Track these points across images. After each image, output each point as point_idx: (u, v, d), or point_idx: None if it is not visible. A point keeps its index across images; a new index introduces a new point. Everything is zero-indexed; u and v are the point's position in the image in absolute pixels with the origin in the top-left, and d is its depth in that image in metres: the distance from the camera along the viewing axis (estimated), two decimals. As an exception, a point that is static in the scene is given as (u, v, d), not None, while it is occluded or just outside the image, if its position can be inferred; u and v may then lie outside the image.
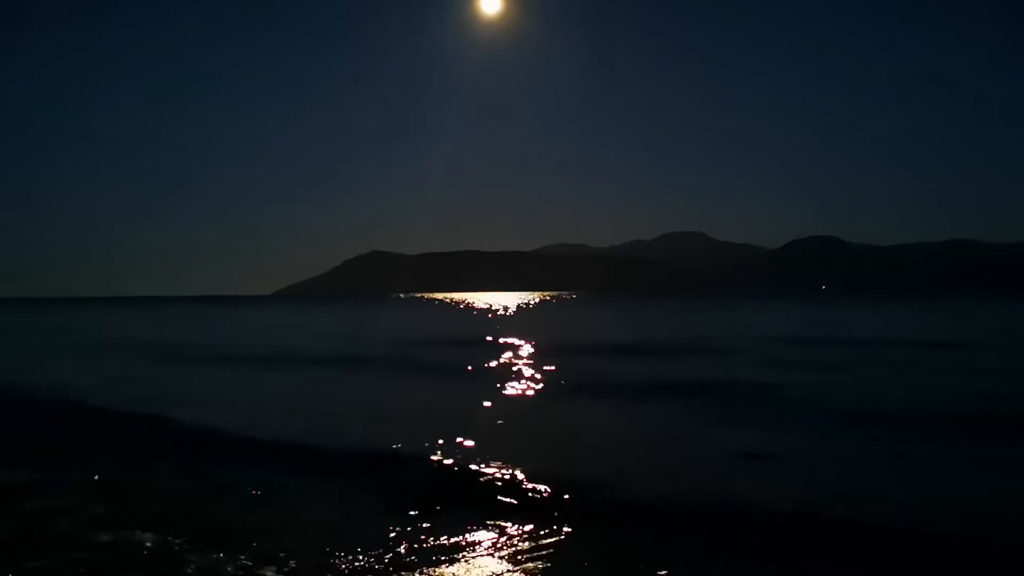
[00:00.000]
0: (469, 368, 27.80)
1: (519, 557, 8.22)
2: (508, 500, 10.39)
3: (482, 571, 7.82)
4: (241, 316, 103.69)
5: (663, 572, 7.70)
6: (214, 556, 8.30)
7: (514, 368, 27.19)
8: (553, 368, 26.95)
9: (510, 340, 40.94)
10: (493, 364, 28.84)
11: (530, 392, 21.51)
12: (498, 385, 22.47)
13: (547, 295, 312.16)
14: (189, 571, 7.87)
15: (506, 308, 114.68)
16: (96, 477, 11.98)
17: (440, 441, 14.08)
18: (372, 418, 17.81)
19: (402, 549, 8.46)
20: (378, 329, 63.35)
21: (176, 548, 8.54)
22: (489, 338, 43.59)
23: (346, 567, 8.01)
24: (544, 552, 8.39)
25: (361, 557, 8.21)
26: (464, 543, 8.67)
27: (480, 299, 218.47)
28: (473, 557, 8.25)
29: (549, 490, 10.63)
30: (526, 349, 35.38)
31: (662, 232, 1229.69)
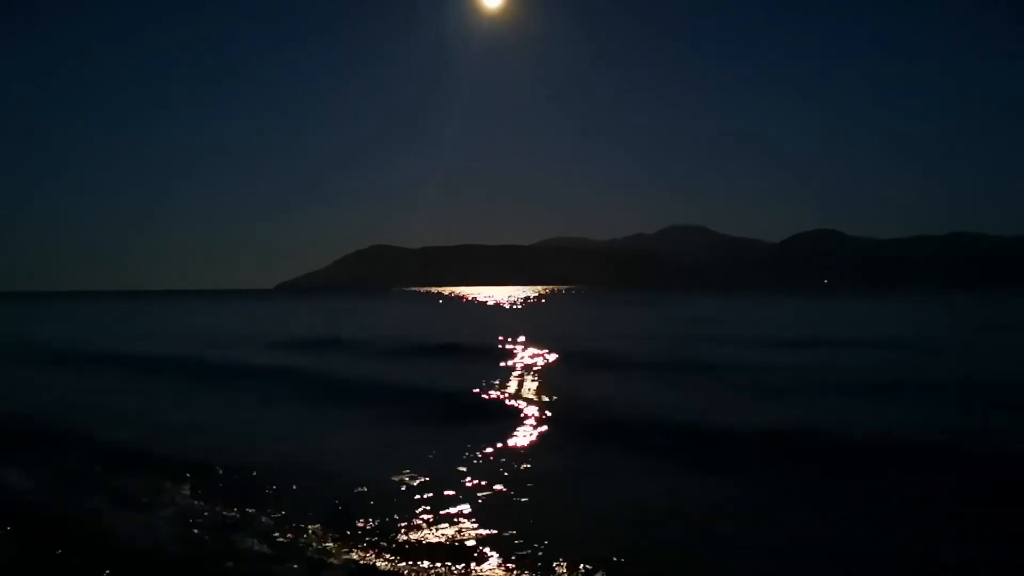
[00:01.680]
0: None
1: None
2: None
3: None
4: (208, 311, 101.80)
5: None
6: None
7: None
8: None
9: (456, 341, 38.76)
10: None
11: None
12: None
13: (546, 289, 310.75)
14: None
15: (497, 303, 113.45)
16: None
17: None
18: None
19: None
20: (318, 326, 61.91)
21: None
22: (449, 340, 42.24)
23: None
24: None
25: None
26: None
27: (479, 293, 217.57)
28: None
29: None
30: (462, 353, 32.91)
31: (664, 226, 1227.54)
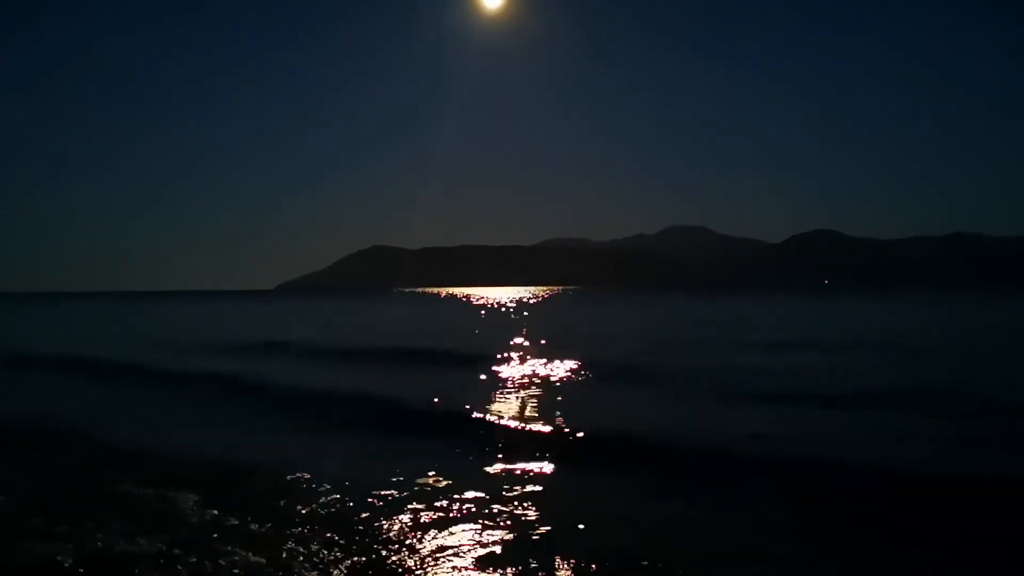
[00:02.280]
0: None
1: None
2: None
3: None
4: (205, 312, 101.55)
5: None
6: None
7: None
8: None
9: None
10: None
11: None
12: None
13: (546, 290, 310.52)
14: None
15: (499, 304, 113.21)
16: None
17: None
18: None
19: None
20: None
21: None
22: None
23: None
24: None
25: None
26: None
27: (479, 294, 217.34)
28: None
29: None
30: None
31: (664, 226, 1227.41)
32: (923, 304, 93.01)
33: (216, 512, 10.29)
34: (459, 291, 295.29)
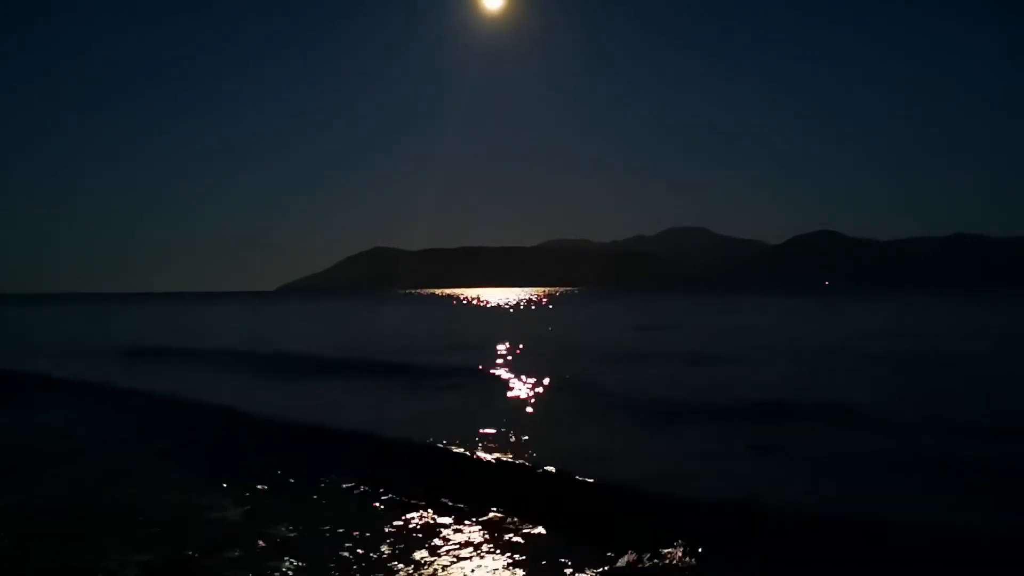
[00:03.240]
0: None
1: None
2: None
3: None
4: (203, 313, 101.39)
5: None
6: None
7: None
8: None
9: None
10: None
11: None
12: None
13: (548, 291, 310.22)
14: None
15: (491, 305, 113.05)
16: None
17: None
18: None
19: None
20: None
21: None
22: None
23: None
24: None
25: None
26: None
27: (479, 295, 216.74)
28: None
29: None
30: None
31: (664, 227, 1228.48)
32: (923, 305, 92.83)
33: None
34: (460, 292, 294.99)
